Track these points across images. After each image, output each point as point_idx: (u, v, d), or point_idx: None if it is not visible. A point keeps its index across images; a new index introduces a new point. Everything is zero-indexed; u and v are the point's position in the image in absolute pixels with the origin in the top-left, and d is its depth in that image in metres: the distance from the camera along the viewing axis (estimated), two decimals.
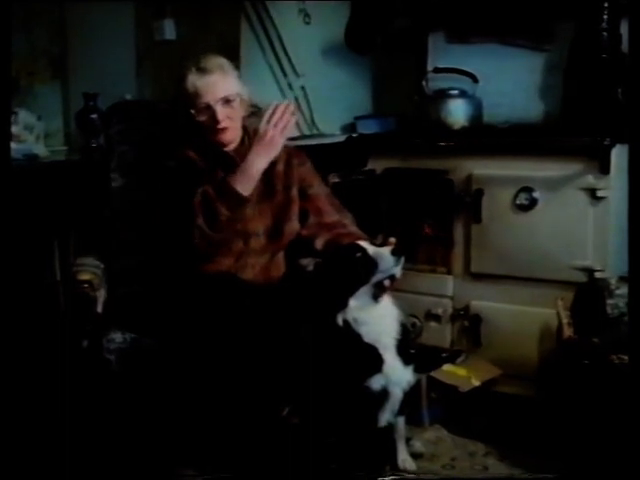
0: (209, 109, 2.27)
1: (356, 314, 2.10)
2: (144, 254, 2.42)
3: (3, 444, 1.79)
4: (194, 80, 2.27)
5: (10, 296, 1.86)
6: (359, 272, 2.10)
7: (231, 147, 2.35)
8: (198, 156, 2.33)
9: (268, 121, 2.20)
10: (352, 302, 2.10)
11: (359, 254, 2.11)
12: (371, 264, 2.09)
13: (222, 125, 2.28)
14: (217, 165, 2.32)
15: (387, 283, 2.14)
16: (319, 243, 2.34)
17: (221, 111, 2.27)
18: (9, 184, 1.87)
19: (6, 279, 1.84)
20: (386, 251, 2.10)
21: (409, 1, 3.17)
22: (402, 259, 2.10)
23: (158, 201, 2.29)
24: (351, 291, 2.10)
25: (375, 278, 2.11)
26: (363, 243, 2.15)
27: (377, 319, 2.13)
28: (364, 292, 2.11)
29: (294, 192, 2.39)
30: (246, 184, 2.20)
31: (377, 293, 2.14)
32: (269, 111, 2.21)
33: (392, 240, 2.15)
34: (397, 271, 2.11)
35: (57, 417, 2.44)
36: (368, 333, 2.11)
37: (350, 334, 2.10)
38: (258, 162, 2.21)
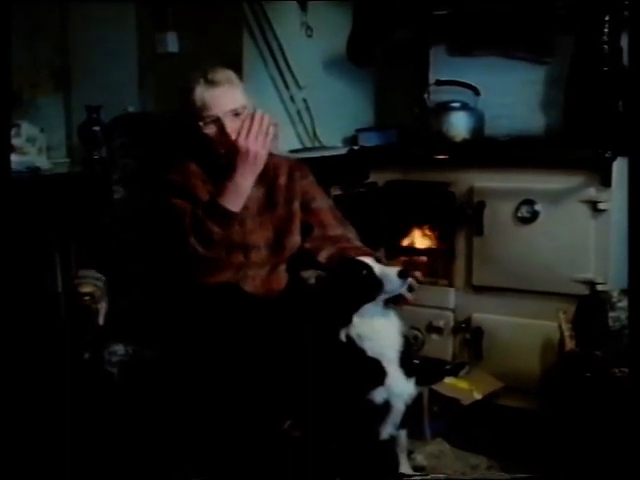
0: (217, 122, 2.27)
1: (360, 330, 2.08)
2: (145, 265, 2.42)
3: (4, 456, 1.79)
4: (202, 92, 2.27)
5: (11, 308, 1.86)
6: (364, 290, 2.08)
7: None
8: (200, 169, 2.34)
9: (245, 137, 2.20)
10: (356, 319, 2.09)
11: (365, 272, 2.08)
12: (377, 284, 2.07)
13: (231, 138, 2.27)
14: (219, 178, 2.32)
15: (410, 297, 2.14)
16: (323, 256, 2.32)
17: (230, 124, 2.26)
18: (10, 196, 1.87)
19: (7, 291, 1.84)
20: (393, 272, 2.07)
21: (411, 14, 3.18)
22: (409, 280, 2.09)
23: (155, 219, 2.32)
24: (354, 308, 2.08)
25: (379, 298, 2.09)
26: (369, 261, 2.12)
27: (381, 333, 2.11)
28: (368, 309, 2.09)
29: (296, 206, 2.39)
30: (236, 200, 2.22)
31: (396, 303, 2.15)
32: (244, 126, 2.21)
33: (418, 274, 2.18)
34: (403, 291, 2.11)
35: (58, 430, 2.44)
36: (372, 347, 2.09)
37: (353, 349, 2.08)
38: (244, 180, 2.23)
